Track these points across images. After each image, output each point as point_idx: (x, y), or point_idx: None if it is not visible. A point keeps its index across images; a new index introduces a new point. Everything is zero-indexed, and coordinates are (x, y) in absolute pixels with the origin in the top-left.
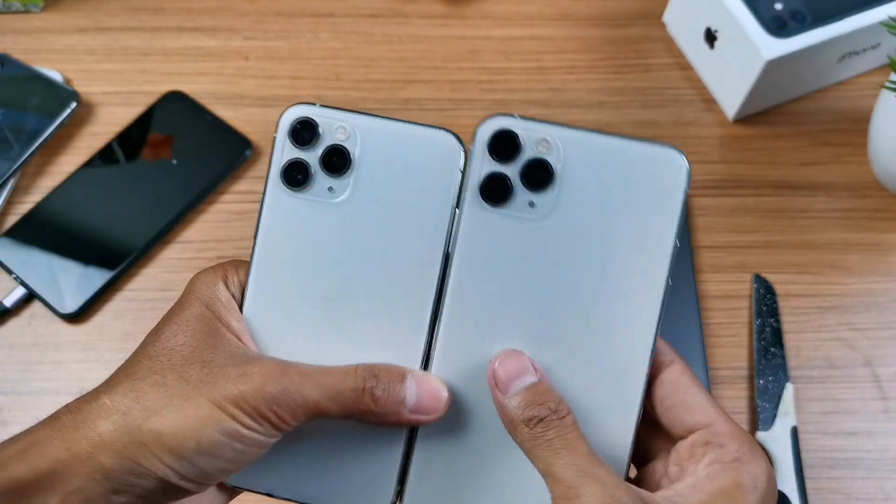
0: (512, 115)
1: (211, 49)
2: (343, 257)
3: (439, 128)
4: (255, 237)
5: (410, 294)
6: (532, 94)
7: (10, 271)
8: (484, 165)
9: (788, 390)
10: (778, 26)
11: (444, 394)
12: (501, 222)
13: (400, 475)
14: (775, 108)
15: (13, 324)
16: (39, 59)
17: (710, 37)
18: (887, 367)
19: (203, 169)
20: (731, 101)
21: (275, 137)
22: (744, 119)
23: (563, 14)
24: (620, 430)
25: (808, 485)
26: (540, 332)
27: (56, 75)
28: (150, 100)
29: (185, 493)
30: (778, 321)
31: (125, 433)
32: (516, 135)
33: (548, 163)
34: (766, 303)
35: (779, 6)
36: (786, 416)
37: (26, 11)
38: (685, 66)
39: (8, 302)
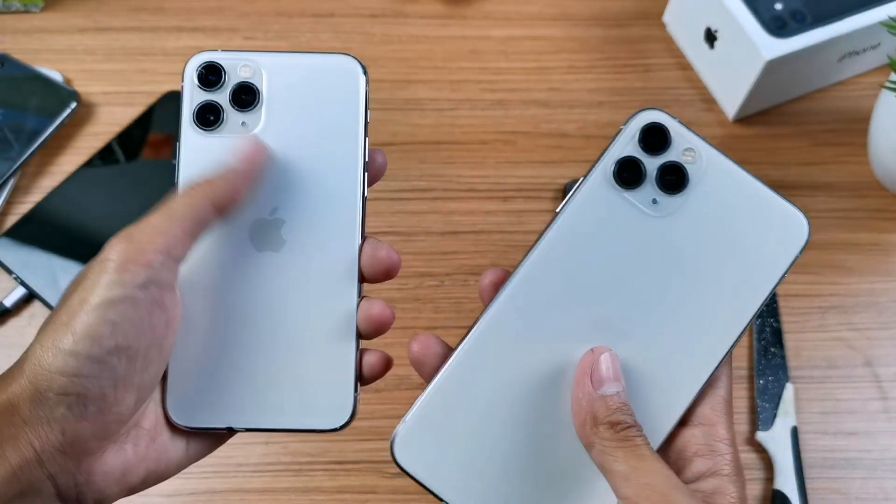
0: (670, 116)
1: (211, 49)
2: (264, 187)
3: (339, 53)
4: (174, 184)
5: (333, 215)
6: (532, 94)
7: (10, 271)
8: (627, 148)
9: (788, 390)
10: (778, 26)
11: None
12: (620, 205)
13: (355, 382)
14: (775, 108)
15: (13, 324)
16: (39, 59)
17: (710, 37)
18: (887, 367)
19: None
20: (731, 101)
21: (182, 86)
22: (744, 119)
23: (563, 14)
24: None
25: (808, 485)
26: (610, 324)
27: (56, 75)
28: (150, 100)
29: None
30: (778, 321)
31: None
32: (668, 133)
33: (686, 170)
34: (765, 303)
35: (779, 6)
36: (786, 416)
37: (26, 11)
38: (685, 66)
39: (8, 302)
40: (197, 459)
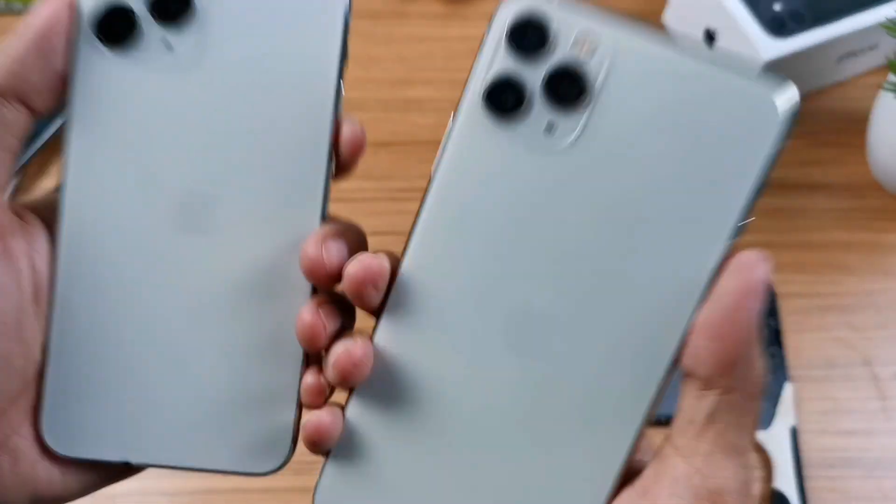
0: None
1: None
2: (192, 141)
3: None
4: (69, 109)
5: (285, 193)
6: None
7: None
8: (496, 62)
9: (787, 390)
10: (777, 27)
11: None
12: (505, 144)
13: (296, 414)
14: None
15: None
16: None
17: (710, 37)
18: (886, 366)
19: None
20: None
21: None
22: None
23: None
24: (612, 444)
25: (807, 484)
26: (529, 290)
27: None
28: None
29: None
30: (777, 321)
31: None
32: (547, 23)
33: (583, 71)
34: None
35: (778, 7)
36: (785, 416)
37: (28, 12)
38: None
39: None
40: (83, 494)
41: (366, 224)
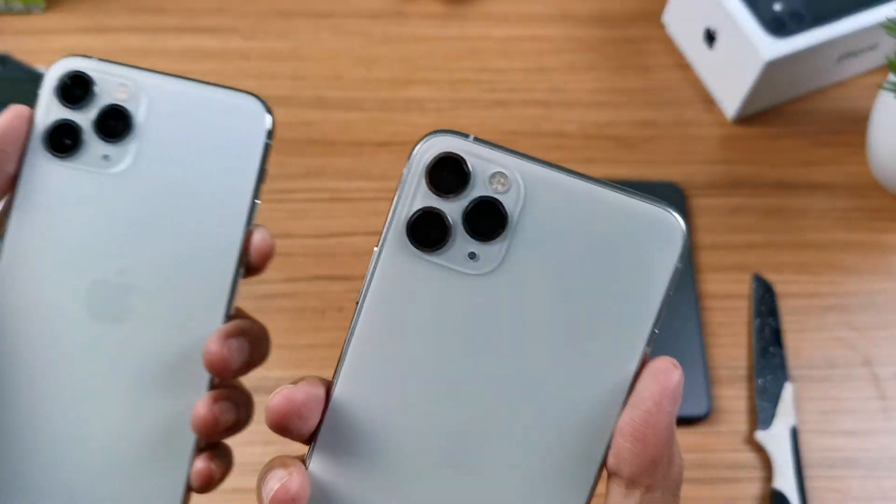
0: (464, 136)
1: (211, 49)
2: (116, 238)
3: (242, 91)
4: (9, 208)
5: (196, 289)
6: (532, 94)
7: None
8: (417, 198)
9: (788, 390)
10: (777, 27)
11: None
12: (430, 274)
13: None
14: (775, 108)
15: None
16: (41, 59)
17: (710, 37)
18: (886, 366)
19: None
20: (730, 101)
21: (38, 94)
22: (744, 119)
23: (563, 14)
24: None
25: (807, 484)
26: (463, 411)
27: None
28: None
29: None
30: (777, 321)
31: None
32: (464, 163)
33: (499, 205)
34: (765, 302)
35: (778, 7)
36: (785, 416)
37: (28, 12)
38: (685, 66)
39: None
40: None
41: (366, 224)
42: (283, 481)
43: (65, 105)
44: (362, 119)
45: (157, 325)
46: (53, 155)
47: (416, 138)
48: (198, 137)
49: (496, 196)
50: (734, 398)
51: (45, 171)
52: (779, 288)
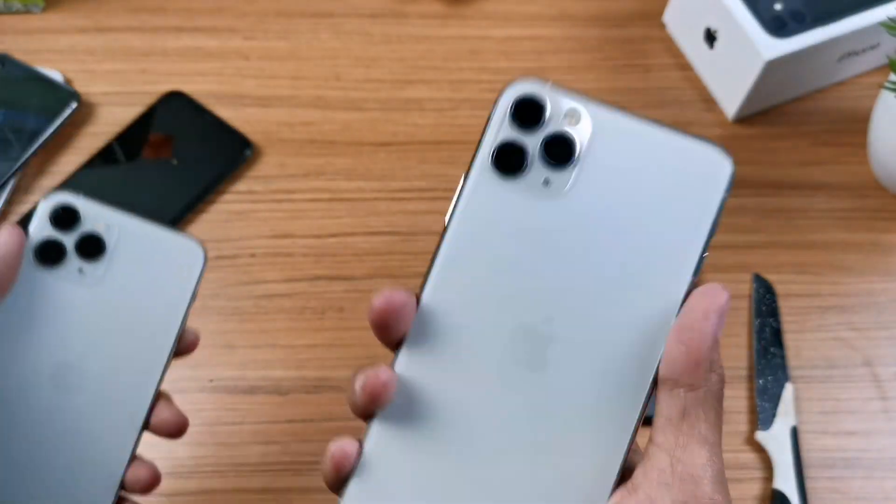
0: (541, 81)
1: (211, 49)
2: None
3: (188, 237)
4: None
5: (131, 371)
6: None
7: None
8: (502, 131)
9: (788, 390)
10: (778, 26)
11: None
12: (510, 196)
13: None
14: (775, 108)
15: None
16: (40, 59)
17: (710, 37)
18: (887, 366)
19: (203, 169)
20: (731, 101)
21: (34, 214)
22: (744, 119)
23: (563, 14)
24: (610, 447)
25: (808, 484)
26: (533, 316)
27: (56, 75)
28: (150, 100)
29: None
30: (777, 321)
31: None
32: (543, 102)
33: (571, 138)
34: (765, 303)
35: (778, 6)
36: (785, 416)
37: (27, 12)
38: (685, 66)
39: None
40: None
41: (366, 224)
42: (376, 371)
43: (55, 228)
44: (362, 119)
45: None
46: (41, 266)
47: (417, 139)
48: (149, 265)
49: (568, 129)
50: (734, 398)
51: (33, 278)
52: (779, 288)
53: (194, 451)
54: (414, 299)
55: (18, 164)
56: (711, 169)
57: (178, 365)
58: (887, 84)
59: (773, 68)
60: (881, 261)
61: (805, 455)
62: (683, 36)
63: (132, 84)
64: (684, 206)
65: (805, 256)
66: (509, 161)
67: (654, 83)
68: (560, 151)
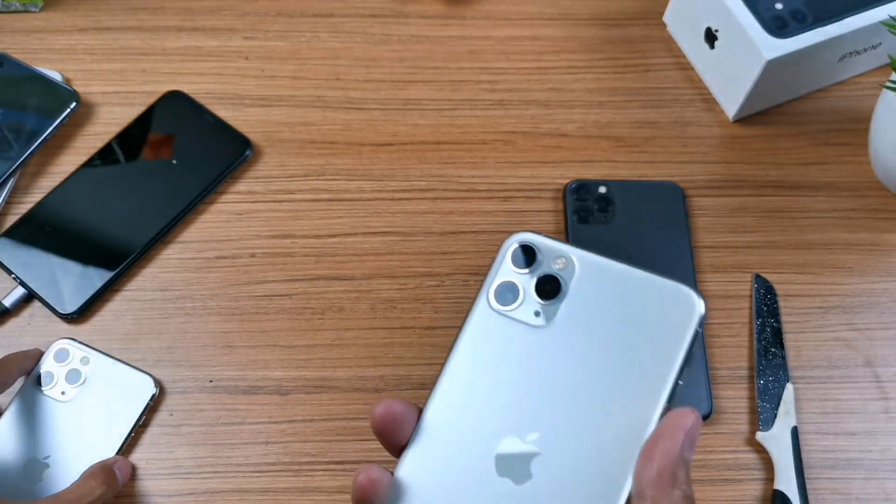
0: (536, 233)
1: (211, 49)
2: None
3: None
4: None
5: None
6: (532, 94)
7: (9, 271)
8: (501, 272)
9: (789, 390)
10: (778, 26)
11: None
12: (506, 325)
13: None
14: (775, 108)
15: (13, 324)
16: (39, 58)
17: (711, 37)
18: (888, 367)
19: (203, 169)
20: (731, 101)
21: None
22: (744, 119)
23: (563, 14)
24: None
25: (809, 485)
26: (521, 431)
27: (56, 75)
28: (149, 100)
29: None
30: (778, 321)
31: None
32: (536, 249)
33: (559, 277)
34: (766, 303)
35: (779, 6)
36: (786, 417)
37: (25, 11)
38: (685, 66)
39: (7, 302)
40: None
41: (366, 224)
42: (367, 471)
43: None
44: (362, 119)
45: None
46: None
47: (417, 139)
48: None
49: (557, 271)
50: (735, 399)
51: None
52: (779, 288)
53: (194, 451)
54: (414, 411)
55: (17, 163)
56: (684, 308)
57: (178, 365)
58: (888, 83)
59: (774, 68)
60: (882, 261)
61: (806, 455)
62: (683, 36)
63: (132, 84)
64: (659, 340)
65: (805, 256)
66: (506, 295)
67: (654, 83)
68: (549, 288)
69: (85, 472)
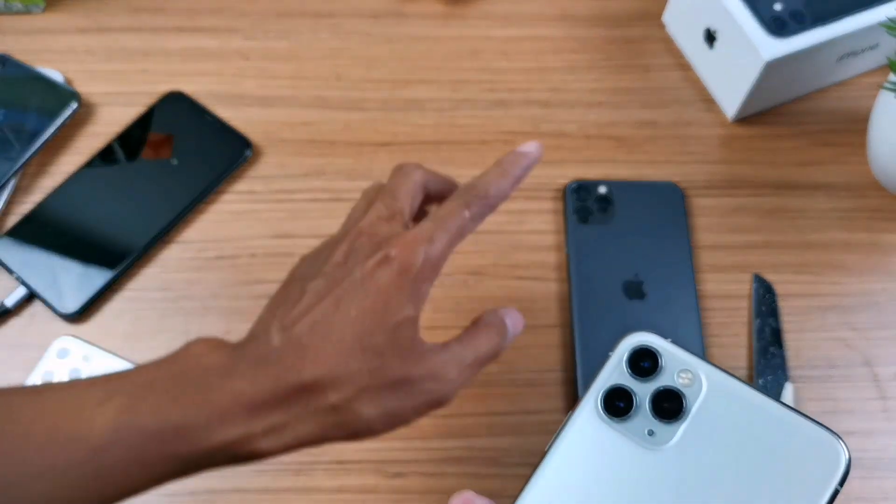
0: (660, 337)
1: (211, 49)
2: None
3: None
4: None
5: None
6: (532, 94)
7: (10, 271)
8: (614, 376)
9: (788, 390)
10: (777, 27)
11: None
12: (612, 438)
13: None
14: (775, 109)
15: (14, 324)
16: (40, 59)
17: (710, 37)
18: (886, 366)
19: (203, 169)
20: (730, 101)
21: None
22: (744, 119)
23: (563, 14)
24: None
25: None
26: None
27: (57, 75)
28: (150, 100)
29: None
30: (777, 321)
31: None
32: (659, 355)
33: (682, 395)
34: (765, 303)
35: (778, 6)
36: None
37: (27, 12)
38: (685, 66)
39: (9, 302)
40: None
41: None
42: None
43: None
44: (362, 119)
45: None
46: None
47: (417, 139)
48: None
49: (680, 388)
50: None
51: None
52: (779, 288)
53: None
54: None
55: (18, 164)
56: (826, 458)
57: None
58: (887, 84)
59: (773, 68)
60: (881, 261)
61: None
62: (683, 36)
63: (132, 84)
64: (792, 491)
65: (805, 256)
66: (617, 405)
67: (654, 83)
68: (668, 406)
69: (479, 321)
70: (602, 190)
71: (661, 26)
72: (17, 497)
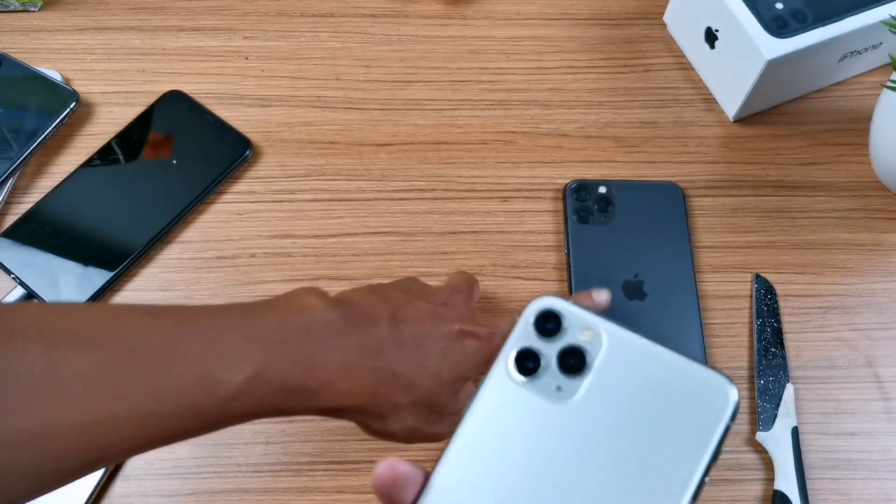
0: (562, 298)
1: (211, 49)
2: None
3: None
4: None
5: None
6: (532, 94)
7: (9, 271)
8: (523, 338)
9: (789, 390)
10: (778, 26)
11: None
12: (523, 396)
13: None
14: (775, 108)
15: None
16: (38, 58)
17: (711, 37)
18: (888, 367)
19: (203, 169)
20: (731, 101)
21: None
22: (744, 119)
23: (563, 14)
24: None
25: (809, 485)
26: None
27: (55, 75)
28: (149, 99)
29: None
30: (778, 321)
31: None
32: (561, 316)
33: (584, 351)
34: (766, 303)
35: (779, 6)
36: (786, 417)
37: (25, 10)
38: (685, 66)
39: (7, 302)
40: None
41: (366, 224)
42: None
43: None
44: (362, 119)
45: None
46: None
47: (417, 139)
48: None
49: (583, 344)
50: None
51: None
52: (779, 288)
53: (194, 451)
54: (420, 475)
55: (17, 163)
56: (717, 397)
57: None
58: (889, 83)
59: (774, 68)
60: (882, 261)
61: (806, 456)
62: (684, 36)
63: (132, 84)
64: (688, 430)
65: (806, 256)
66: (526, 365)
67: (654, 83)
68: (573, 362)
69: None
70: (602, 190)
71: (662, 26)
72: (151, 428)
